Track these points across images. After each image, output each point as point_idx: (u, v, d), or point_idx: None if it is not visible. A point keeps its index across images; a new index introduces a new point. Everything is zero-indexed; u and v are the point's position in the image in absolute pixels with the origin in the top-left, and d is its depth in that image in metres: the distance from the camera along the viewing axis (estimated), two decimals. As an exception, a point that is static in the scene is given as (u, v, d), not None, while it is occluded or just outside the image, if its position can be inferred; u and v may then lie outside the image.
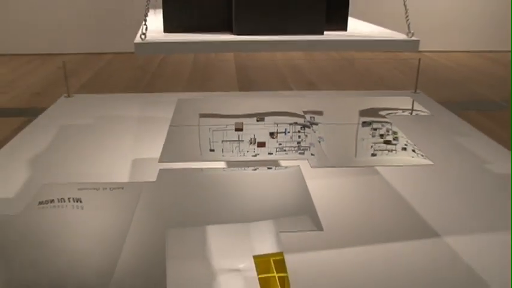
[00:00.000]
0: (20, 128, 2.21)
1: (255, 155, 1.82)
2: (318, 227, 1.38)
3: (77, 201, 1.52)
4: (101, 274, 1.31)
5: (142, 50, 1.22)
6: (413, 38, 1.35)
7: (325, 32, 1.38)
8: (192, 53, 4.08)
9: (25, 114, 2.48)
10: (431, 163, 1.81)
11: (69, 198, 1.53)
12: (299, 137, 2.01)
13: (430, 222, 1.43)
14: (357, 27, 1.55)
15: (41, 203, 1.51)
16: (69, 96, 2.67)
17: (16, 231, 1.42)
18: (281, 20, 1.34)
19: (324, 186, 1.63)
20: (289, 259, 1.23)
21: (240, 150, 1.87)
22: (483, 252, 1.29)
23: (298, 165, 1.75)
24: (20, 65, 3.74)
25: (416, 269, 1.22)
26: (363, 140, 2.05)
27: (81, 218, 1.47)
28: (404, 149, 1.95)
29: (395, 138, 2.04)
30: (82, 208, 1.50)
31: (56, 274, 1.40)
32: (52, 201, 1.52)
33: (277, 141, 1.95)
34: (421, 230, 1.39)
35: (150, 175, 1.66)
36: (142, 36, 1.24)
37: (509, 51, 4.43)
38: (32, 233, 1.43)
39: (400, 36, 1.39)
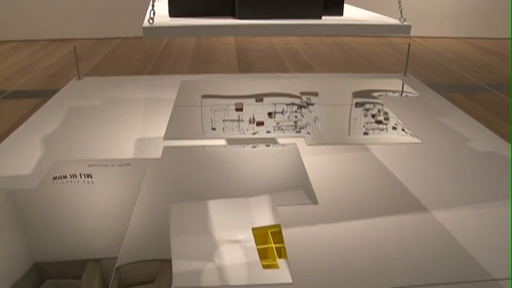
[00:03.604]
0: (36, 108, 2.19)
1: (254, 134, 1.81)
2: (313, 201, 1.37)
3: (88, 177, 1.51)
4: (110, 244, 1.31)
5: (149, 33, 1.19)
6: (405, 23, 1.32)
7: (322, 17, 1.35)
8: (195, 37, 4.04)
9: (41, 95, 2.46)
10: (420, 141, 1.80)
11: (80, 174, 1.52)
12: (296, 116, 1.99)
13: (418, 196, 1.42)
14: (352, 13, 1.51)
15: (54, 178, 1.50)
16: (79, 78, 2.64)
17: (33, 205, 1.41)
18: (281, 6, 1.31)
19: (319, 163, 1.62)
20: (286, 231, 1.22)
21: (240, 129, 1.86)
22: (467, 225, 1.28)
23: (295, 143, 1.73)
24: (37, 49, 3.70)
25: (405, 240, 1.21)
26: (356, 119, 2.03)
27: (92, 193, 1.46)
28: (394, 128, 1.93)
29: (386, 118, 2.03)
30: (92, 183, 1.49)
31: (69, 244, 1.39)
32: (65, 176, 1.51)
33: (275, 121, 1.94)
34: (409, 203, 1.39)
35: (156, 152, 1.65)
36: (150, 21, 1.21)
37: (493, 38, 4.39)
38: (47, 207, 1.42)
39: (393, 21, 1.36)
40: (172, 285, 1.03)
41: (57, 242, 1.41)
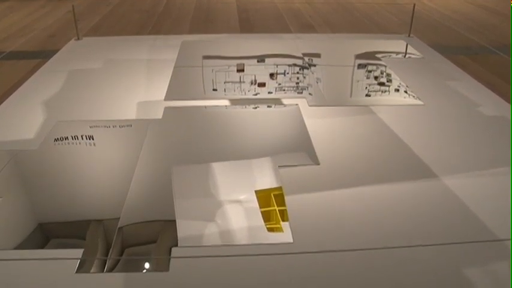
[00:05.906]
0: (35, 69, 2.16)
1: (256, 95, 1.78)
2: (315, 161, 1.36)
3: (90, 139, 1.50)
4: (112, 205, 1.31)
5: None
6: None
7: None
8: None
9: (40, 56, 2.42)
10: (422, 103, 1.77)
11: (82, 136, 1.51)
12: (298, 77, 1.96)
13: (420, 158, 1.41)
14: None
15: (56, 140, 1.49)
16: (79, 39, 2.59)
17: (35, 166, 1.40)
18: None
19: (321, 124, 1.60)
20: (288, 192, 1.22)
21: (242, 89, 1.83)
22: (469, 186, 1.28)
23: (297, 104, 1.71)
24: (34, 9, 3.62)
25: (407, 201, 1.21)
26: (358, 81, 2.00)
27: (93, 154, 1.45)
28: (397, 90, 1.91)
29: (389, 80, 1.99)
30: (94, 145, 1.48)
31: (72, 205, 1.40)
32: (66, 138, 1.50)
33: (276, 82, 1.91)
34: (411, 164, 1.38)
35: (157, 113, 1.64)
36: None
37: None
38: (49, 168, 1.41)
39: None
40: (178, 245, 1.04)
41: (59, 203, 1.42)
